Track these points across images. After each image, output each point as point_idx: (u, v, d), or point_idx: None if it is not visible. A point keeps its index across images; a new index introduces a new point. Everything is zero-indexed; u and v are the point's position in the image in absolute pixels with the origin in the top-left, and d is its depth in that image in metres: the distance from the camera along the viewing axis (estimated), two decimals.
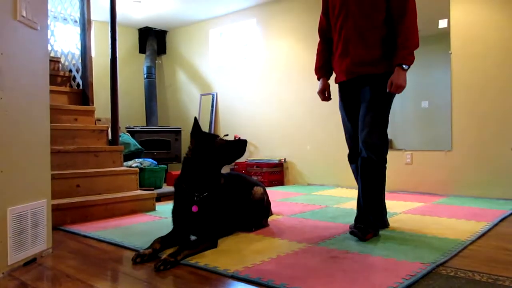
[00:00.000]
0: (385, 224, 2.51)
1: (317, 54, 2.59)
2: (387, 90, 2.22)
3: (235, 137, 5.68)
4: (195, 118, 2.32)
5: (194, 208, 2.11)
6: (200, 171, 2.15)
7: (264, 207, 2.63)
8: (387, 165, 2.34)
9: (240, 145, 2.26)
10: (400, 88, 2.20)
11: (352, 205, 3.46)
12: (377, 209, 2.34)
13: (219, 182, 2.24)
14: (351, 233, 2.26)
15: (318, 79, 2.58)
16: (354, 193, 4.21)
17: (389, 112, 2.35)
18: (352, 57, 2.32)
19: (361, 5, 2.28)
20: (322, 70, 2.57)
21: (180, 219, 2.17)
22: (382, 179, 2.33)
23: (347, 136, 2.51)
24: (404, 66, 2.19)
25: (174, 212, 2.21)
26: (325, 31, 2.54)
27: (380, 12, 2.26)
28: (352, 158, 2.50)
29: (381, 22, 2.27)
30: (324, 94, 2.56)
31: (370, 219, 2.27)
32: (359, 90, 2.36)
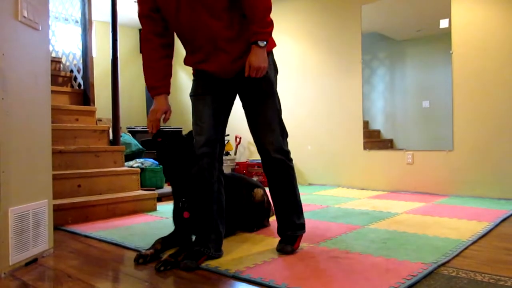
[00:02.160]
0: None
1: (150, 64, 2.09)
2: (245, 75, 1.87)
3: (236, 137, 5.69)
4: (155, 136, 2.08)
5: (186, 215, 2.10)
6: (169, 176, 2.13)
7: (265, 209, 2.63)
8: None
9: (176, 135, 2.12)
10: (260, 69, 1.84)
11: (353, 205, 3.46)
12: (299, 207, 2.09)
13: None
14: (279, 251, 2.00)
15: (153, 96, 2.04)
16: (355, 193, 4.23)
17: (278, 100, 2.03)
18: (217, 64, 1.93)
19: None
20: (164, 82, 2.04)
21: (178, 222, 2.18)
22: (293, 175, 2.11)
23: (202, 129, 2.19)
24: (260, 43, 1.82)
25: (174, 213, 2.21)
26: (158, 37, 2.02)
27: None
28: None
29: (225, 7, 1.83)
30: (162, 114, 2.04)
31: (295, 221, 2.05)
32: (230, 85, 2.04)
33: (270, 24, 1.85)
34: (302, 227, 2.08)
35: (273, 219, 2.81)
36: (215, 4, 1.82)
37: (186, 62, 2.04)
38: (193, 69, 2.10)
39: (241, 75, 1.94)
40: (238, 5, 1.85)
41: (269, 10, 1.83)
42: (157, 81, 2.03)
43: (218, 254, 1.95)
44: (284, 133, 2.04)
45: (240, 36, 1.89)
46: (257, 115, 2.00)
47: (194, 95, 2.05)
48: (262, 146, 2.01)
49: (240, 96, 2.06)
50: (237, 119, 5.93)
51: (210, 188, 1.97)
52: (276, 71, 2.07)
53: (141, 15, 1.97)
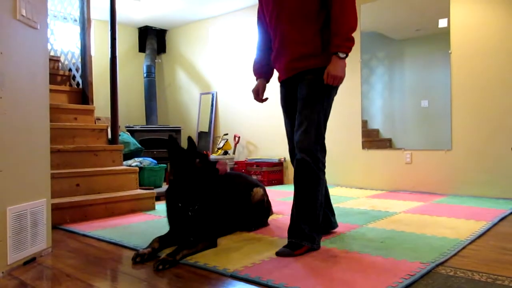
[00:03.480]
0: (332, 226, 2.37)
1: (257, 55, 2.39)
2: (325, 82, 2.02)
3: (234, 136, 5.69)
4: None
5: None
6: (186, 190, 2.12)
7: (264, 208, 2.62)
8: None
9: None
10: (337, 78, 2.00)
11: (352, 204, 3.47)
12: (313, 217, 2.02)
13: (210, 191, 2.19)
14: (277, 254, 1.95)
15: (257, 79, 2.41)
16: (353, 192, 4.23)
17: (329, 109, 2.14)
18: (291, 53, 2.13)
19: None
20: (261, 70, 2.38)
21: (176, 225, 2.17)
22: (317, 184, 2.03)
23: (288, 138, 2.31)
24: (340, 54, 2.00)
25: (169, 217, 2.21)
26: (264, 27, 2.32)
27: (313, 1, 2.06)
28: (292, 160, 2.25)
29: (317, 10, 2.06)
30: (258, 94, 2.38)
31: (305, 231, 1.99)
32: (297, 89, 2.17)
33: (352, 40, 2.02)
34: (310, 239, 1.99)
35: (272, 219, 2.81)
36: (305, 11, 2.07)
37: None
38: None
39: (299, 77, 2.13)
40: (321, 17, 2.08)
41: (353, 29, 2.02)
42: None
43: (328, 230, 2.26)
44: (319, 141, 2.06)
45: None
46: (299, 115, 2.09)
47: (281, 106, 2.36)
48: (295, 144, 2.09)
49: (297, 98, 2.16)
50: (236, 119, 5.95)
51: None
52: (335, 91, 2.18)
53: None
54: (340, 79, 2.02)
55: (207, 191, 2.17)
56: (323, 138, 2.09)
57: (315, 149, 2.03)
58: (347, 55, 2.02)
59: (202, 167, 2.13)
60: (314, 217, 2.02)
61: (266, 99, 2.39)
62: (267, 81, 2.40)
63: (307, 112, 2.04)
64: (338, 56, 2.00)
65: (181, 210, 2.12)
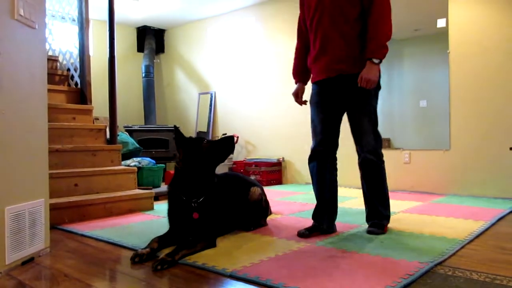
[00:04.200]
0: (333, 229, 2.44)
1: (296, 58, 2.58)
2: (358, 85, 2.21)
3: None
4: (175, 126, 2.29)
5: (195, 215, 2.09)
6: (194, 178, 2.13)
7: (262, 208, 2.62)
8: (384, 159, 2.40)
9: (227, 142, 2.23)
10: (370, 82, 2.18)
11: (350, 204, 3.47)
12: (385, 201, 2.42)
13: (214, 184, 2.22)
14: (369, 232, 2.32)
15: (296, 83, 2.60)
16: (352, 192, 4.23)
17: (377, 108, 2.36)
18: (331, 54, 2.29)
19: (335, 0, 2.26)
20: (301, 74, 2.58)
21: (177, 223, 2.17)
22: (384, 176, 2.40)
23: (315, 135, 2.45)
24: (374, 60, 2.18)
25: (170, 216, 2.20)
26: (304, 33, 2.52)
27: (355, 6, 2.24)
28: (314, 155, 2.44)
29: (357, 17, 2.25)
30: (297, 97, 2.58)
31: (382, 212, 2.38)
32: (341, 91, 2.33)
33: (387, 48, 2.21)
34: (387, 218, 2.40)
35: (271, 219, 2.81)
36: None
37: None
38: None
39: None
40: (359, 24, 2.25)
41: (388, 38, 2.22)
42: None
43: (331, 230, 2.38)
44: (379, 141, 2.36)
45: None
46: (356, 122, 2.35)
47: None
48: (360, 147, 2.37)
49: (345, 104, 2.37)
50: (235, 119, 5.95)
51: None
52: (379, 87, 2.36)
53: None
54: (373, 83, 2.19)
55: (213, 179, 2.20)
56: (380, 136, 2.36)
57: (379, 149, 2.35)
58: (381, 61, 2.19)
59: (210, 146, 2.17)
60: (387, 200, 2.42)
61: (306, 101, 2.57)
62: (305, 84, 2.60)
63: (364, 119, 2.30)
64: (373, 61, 2.18)
65: (185, 203, 2.11)
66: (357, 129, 2.35)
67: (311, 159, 2.45)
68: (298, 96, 2.59)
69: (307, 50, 2.51)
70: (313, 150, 2.44)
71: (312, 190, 2.50)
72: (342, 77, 2.29)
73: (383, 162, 2.37)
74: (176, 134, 2.17)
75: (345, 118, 2.44)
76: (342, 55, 2.27)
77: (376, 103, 2.35)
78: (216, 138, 2.28)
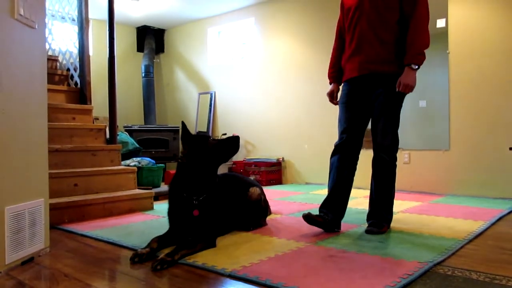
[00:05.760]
0: (338, 226, 2.47)
1: (332, 58, 2.62)
2: (397, 90, 2.29)
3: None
4: (183, 122, 2.30)
5: (195, 212, 2.09)
6: (197, 175, 2.13)
7: (262, 208, 2.62)
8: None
9: (233, 141, 2.25)
10: (408, 87, 2.28)
11: (350, 204, 3.44)
12: (389, 204, 2.45)
13: (215, 183, 2.23)
14: (367, 231, 2.35)
15: (330, 83, 2.65)
16: (352, 192, 4.21)
17: (400, 112, 2.42)
18: (366, 54, 2.35)
19: (375, 4, 2.33)
20: (335, 75, 2.61)
21: (177, 222, 2.17)
22: (394, 177, 2.45)
23: (340, 133, 2.49)
24: (413, 66, 2.26)
25: (170, 214, 2.20)
26: (342, 34, 2.57)
27: (394, 12, 2.31)
28: (337, 151, 2.48)
29: (395, 22, 2.32)
30: (332, 97, 2.62)
31: (383, 214, 2.40)
32: (370, 90, 2.39)
33: (424, 55, 2.28)
34: (388, 221, 2.44)
35: (270, 218, 2.81)
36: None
37: None
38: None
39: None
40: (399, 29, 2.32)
41: (426, 46, 2.28)
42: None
43: (335, 225, 2.40)
44: (396, 143, 2.41)
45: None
46: (379, 121, 2.39)
47: None
48: (376, 145, 2.43)
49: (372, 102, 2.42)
50: (235, 119, 5.95)
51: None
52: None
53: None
54: (411, 88, 2.29)
55: (215, 178, 2.21)
56: (398, 138, 2.41)
57: (394, 151, 2.40)
58: (419, 67, 2.27)
59: (216, 144, 2.20)
60: (390, 204, 2.45)
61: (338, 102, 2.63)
62: (340, 85, 2.62)
63: (385, 118, 2.35)
64: (411, 67, 2.26)
65: (185, 200, 2.11)
66: (378, 128, 2.39)
67: (333, 153, 2.50)
68: (333, 96, 2.63)
69: (342, 52, 2.56)
70: (337, 146, 2.49)
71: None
72: (375, 76, 2.35)
73: (395, 164, 2.42)
74: (183, 130, 2.19)
75: (335, 115, 2.48)
76: (377, 56, 2.33)
77: (401, 108, 2.41)
78: (216, 138, 2.28)
